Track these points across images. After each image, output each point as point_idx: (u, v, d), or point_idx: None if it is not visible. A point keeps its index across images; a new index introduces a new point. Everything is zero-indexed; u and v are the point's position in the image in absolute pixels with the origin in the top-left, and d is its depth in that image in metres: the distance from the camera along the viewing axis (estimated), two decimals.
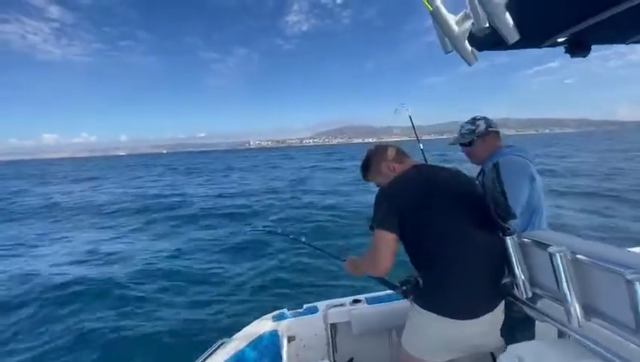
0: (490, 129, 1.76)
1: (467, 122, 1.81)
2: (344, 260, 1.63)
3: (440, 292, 1.24)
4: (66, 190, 21.20)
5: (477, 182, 1.37)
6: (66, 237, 8.93)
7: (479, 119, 1.80)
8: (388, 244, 1.26)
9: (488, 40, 0.99)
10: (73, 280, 5.58)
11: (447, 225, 1.24)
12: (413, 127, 2.36)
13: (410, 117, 2.23)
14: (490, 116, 1.81)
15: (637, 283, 0.77)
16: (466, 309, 1.21)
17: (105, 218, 11.56)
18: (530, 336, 1.48)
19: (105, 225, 10.38)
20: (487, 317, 1.23)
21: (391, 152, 1.47)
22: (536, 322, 1.36)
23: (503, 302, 1.30)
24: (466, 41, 0.93)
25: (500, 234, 1.21)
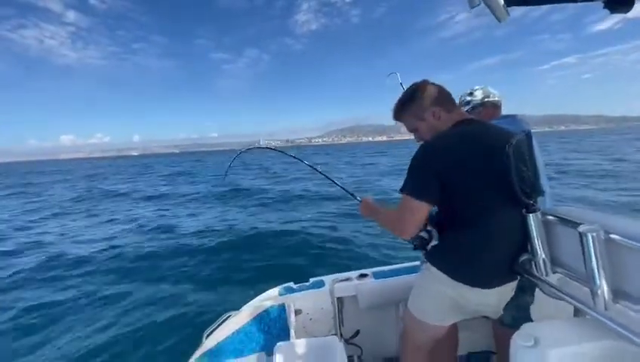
0: (487, 100, 1.68)
1: (465, 93, 1.74)
2: (360, 200, 1.53)
3: (457, 256, 1.20)
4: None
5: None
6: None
7: (477, 89, 1.72)
8: (414, 213, 1.15)
9: None
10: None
11: (483, 197, 1.15)
12: (403, 87, 2.14)
13: (401, 83, 2.11)
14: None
15: None
16: (478, 278, 1.17)
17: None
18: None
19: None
20: (498, 289, 1.20)
21: (440, 95, 1.25)
22: (551, 301, 1.29)
23: (517, 279, 1.25)
24: None
25: (523, 210, 1.13)
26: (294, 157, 2.14)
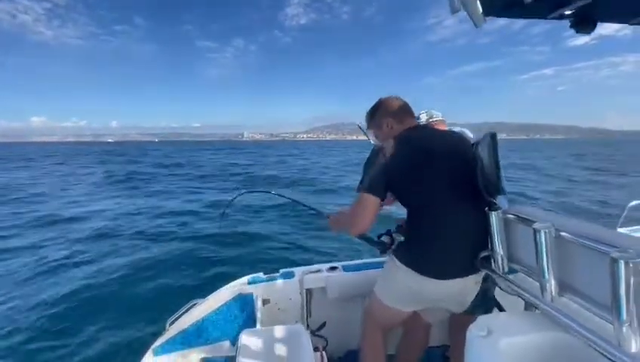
0: (431, 120, 1.89)
1: None
2: (328, 216, 1.65)
3: (419, 250, 1.29)
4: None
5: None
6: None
7: (422, 113, 1.91)
8: (369, 207, 1.29)
9: (498, 2, 0.97)
10: None
11: (432, 192, 1.27)
12: (366, 135, 2.13)
13: (359, 127, 2.07)
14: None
15: (621, 261, 0.77)
16: (439, 270, 1.26)
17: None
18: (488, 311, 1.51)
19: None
20: (459, 281, 1.27)
21: (395, 109, 1.46)
22: (506, 296, 1.37)
23: (481, 274, 1.32)
24: (477, 1, 0.92)
25: (486, 208, 1.21)
26: (281, 195, 2.19)
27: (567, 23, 1.19)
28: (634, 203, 2.28)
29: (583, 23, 1.18)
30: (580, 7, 1.06)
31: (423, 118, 1.96)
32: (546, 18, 1.21)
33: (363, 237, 1.60)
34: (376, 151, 1.44)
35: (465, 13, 0.98)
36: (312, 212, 1.93)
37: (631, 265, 0.77)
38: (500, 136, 1.25)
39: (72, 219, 8.29)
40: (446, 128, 1.86)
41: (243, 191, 2.30)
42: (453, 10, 1.00)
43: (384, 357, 1.52)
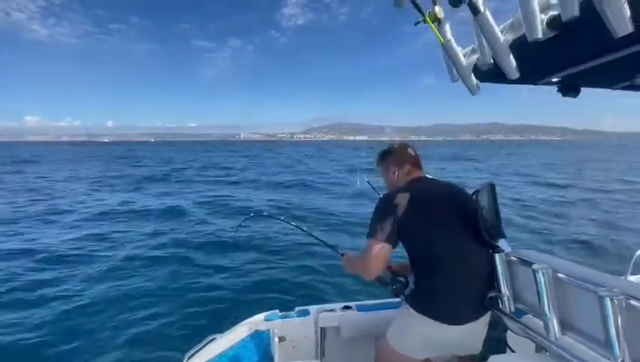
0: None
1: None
2: (343, 254, 1.70)
3: (430, 297, 1.34)
4: None
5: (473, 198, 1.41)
6: None
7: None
8: (379, 254, 1.35)
9: (491, 72, 1.06)
10: None
11: (441, 240, 1.34)
12: (374, 189, 2.31)
13: (368, 182, 2.35)
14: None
15: (607, 299, 0.82)
16: (452, 316, 1.30)
17: None
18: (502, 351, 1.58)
19: None
20: (471, 325, 1.32)
21: (404, 159, 1.55)
22: (516, 337, 1.41)
23: (489, 314, 1.37)
24: (472, 73, 1.02)
25: (490, 251, 1.30)
26: (299, 227, 2.18)
27: (553, 88, 1.32)
28: None
29: (569, 89, 1.30)
30: (566, 76, 1.18)
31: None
32: (535, 84, 1.33)
33: (378, 279, 1.65)
34: (385, 200, 1.50)
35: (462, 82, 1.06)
36: (326, 247, 2.00)
37: (616, 302, 0.83)
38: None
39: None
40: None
41: (252, 214, 2.40)
42: (453, 80, 1.10)
43: None
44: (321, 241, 2.07)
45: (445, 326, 1.32)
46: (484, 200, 1.29)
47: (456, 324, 1.32)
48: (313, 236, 2.12)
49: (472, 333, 1.38)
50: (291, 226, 2.19)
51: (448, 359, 1.57)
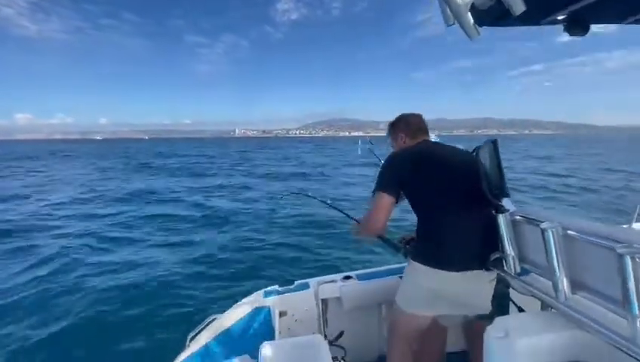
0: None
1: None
2: (358, 221, 1.74)
3: (430, 248, 1.40)
4: None
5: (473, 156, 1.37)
6: None
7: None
8: (384, 206, 1.41)
9: (491, 13, 0.98)
10: None
11: (442, 195, 1.38)
12: (377, 156, 2.36)
13: (370, 149, 2.40)
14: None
15: (627, 256, 0.78)
16: (450, 262, 1.33)
17: None
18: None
19: None
20: (470, 274, 1.33)
21: (410, 126, 1.61)
22: (522, 297, 1.41)
23: (494, 274, 1.37)
24: (469, 14, 0.91)
25: (493, 211, 1.25)
26: (325, 202, 2.36)
27: (560, 27, 1.18)
28: None
29: (577, 26, 1.17)
30: (572, 12, 1.07)
31: None
32: (539, 24, 1.21)
33: (382, 239, 1.72)
34: (390, 158, 1.54)
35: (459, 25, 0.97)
36: (344, 216, 2.05)
37: (638, 260, 0.78)
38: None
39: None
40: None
41: (285, 192, 2.60)
42: (448, 24, 0.99)
43: None
44: (342, 211, 2.17)
45: (444, 272, 1.34)
46: (485, 159, 1.25)
47: (455, 270, 1.33)
48: (338, 209, 2.23)
49: (476, 288, 1.40)
50: (317, 201, 2.37)
51: (457, 319, 1.56)
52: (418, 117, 1.65)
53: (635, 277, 0.80)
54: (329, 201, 2.37)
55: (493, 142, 1.24)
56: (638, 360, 0.81)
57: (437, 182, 1.41)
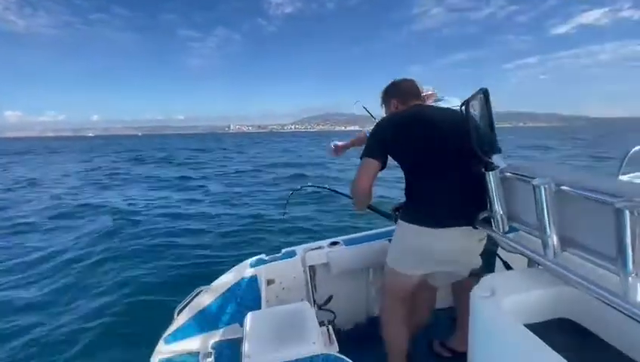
0: (421, 94, 1.81)
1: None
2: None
3: (416, 207, 1.41)
4: None
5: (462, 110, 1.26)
6: None
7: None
8: (368, 169, 1.42)
9: None
10: None
11: (427, 155, 1.37)
12: (370, 113, 2.37)
13: (364, 107, 2.38)
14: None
15: (626, 211, 0.75)
16: (436, 219, 1.33)
17: None
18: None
19: None
20: (459, 231, 1.32)
21: (402, 91, 1.58)
22: (510, 257, 1.41)
23: (484, 233, 1.34)
24: None
25: (482, 169, 1.19)
26: (329, 188, 2.38)
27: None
28: (637, 148, 2.15)
29: None
30: None
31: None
32: None
33: (374, 209, 1.73)
34: (378, 123, 1.54)
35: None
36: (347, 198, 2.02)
37: (637, 215, 0.75)
38: None
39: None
40: (436, 99, 1.94)
41: (299, 186, 2.52)
42: None
43: (403, 325, 1.58)
44: (341, 193, 2.20)
45: (430, 229, 1.33)
46: (475, 110, 1.18)
47: (443, 227, 1.32)
48: (340, 193, 2.24)
49: (465, 245, 1.39)
50: (325, 191, 2.38)
51: (446, 277, 1.55)
52: (409, 81, 1.62)
53: (632, 232, 0.76)
54: (327, 186, 2.41)
55: (484, 93, 1.15)
56: (627, 315, 0.78)
57: (421, 142, 1.40)
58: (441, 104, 1.91)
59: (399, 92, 1.59)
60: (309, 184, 2.56)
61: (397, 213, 1.61)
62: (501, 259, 1.59)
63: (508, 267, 1.55)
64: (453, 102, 1.84)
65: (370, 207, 1.71)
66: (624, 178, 2.12)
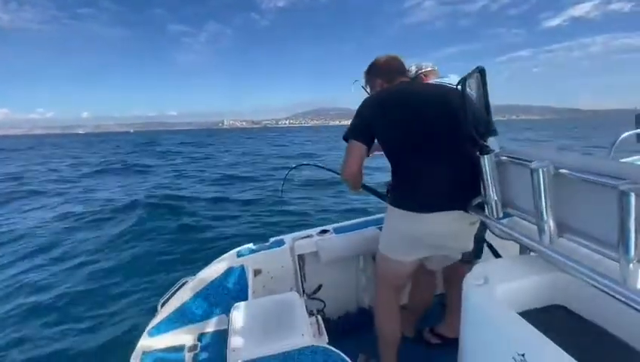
0: (420, 71, 1.87)
1: None
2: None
3: (404, 190, 1.35)
4: None
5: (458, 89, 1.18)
6: None
7: (412, 66, 1.89)
8: (354, 152, 1.36)
9: None
10: None
11: (416, 137, 1.29)
12: (369, 94, 2.16)
13: (363, 87, 2.23)
14: None
15: (632, 193, 0.71)
16: (419, 203, 1.27)
17: None
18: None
19: None
20: (449, 215, 1.26)
21: (386, 69, 1.50)
22: (502, 244, 1.37)
23: (476, 218, 1.28)
24: None
25: (477, 152, 1.14)
26: (327, 168, 2.38)
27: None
28: (626, 134, 2.13)
29: None
30: None
31: (413, 70, 1.91)
32: None
33: (367, 188, 1.71)
34: (362, 103, 1.45)
35: None
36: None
37: None
38: None
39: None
40: (438, 78, 1.84)
41: (294, 165, 2.49)
42: None
43: (397, 314, 1.55)
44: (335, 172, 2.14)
45: (418, 214, 1.28)
46: (472, 90, 1.13)
47: (429, 212, 1.26)
48: (333, 171, 2.17)
49: (455, 229, 1.33)
50: (324, 170, 2.40)
51: (442, 261, 1.51)
52: (392, 58, 1.52)
53: (636, 216, 0.72)
54: (321, 164, 2.44)
55: (481, 72, 1.09)
56: (625, 303, 0.75)
57: (406, 123, 1.31)
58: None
59: (382, 71, 1.50)
60: (304, 163, 2.55)
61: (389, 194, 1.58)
62: (490, 245, 1.56)
63: (496, 254, 1.52)
64: (455, 81, 1.76)
65: (364, 187, 1.68)
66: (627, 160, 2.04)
